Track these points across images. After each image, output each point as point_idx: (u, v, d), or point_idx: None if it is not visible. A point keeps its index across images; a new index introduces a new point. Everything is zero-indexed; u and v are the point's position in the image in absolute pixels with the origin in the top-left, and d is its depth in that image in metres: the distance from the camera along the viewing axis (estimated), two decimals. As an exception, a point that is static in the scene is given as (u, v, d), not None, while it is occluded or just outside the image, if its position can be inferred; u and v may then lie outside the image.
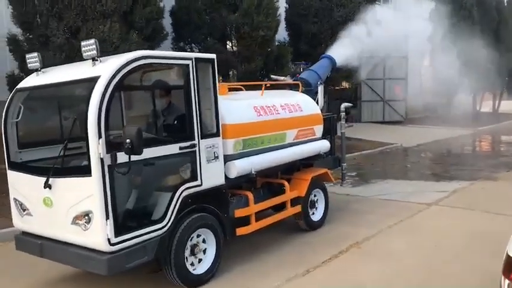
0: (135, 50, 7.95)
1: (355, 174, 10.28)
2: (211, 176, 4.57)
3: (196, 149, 4.40)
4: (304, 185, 5.90)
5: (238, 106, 5.23)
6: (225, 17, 9.80)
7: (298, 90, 6.46)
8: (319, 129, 6.26)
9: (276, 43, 11.79)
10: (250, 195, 5.16)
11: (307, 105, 6.17)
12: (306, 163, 6.28)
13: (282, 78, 7.32)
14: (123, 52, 7.61)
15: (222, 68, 10.34)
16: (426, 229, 6.07)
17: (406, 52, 16.11)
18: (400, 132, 16.99)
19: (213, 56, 4.59)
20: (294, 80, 6.82)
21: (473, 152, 14.63)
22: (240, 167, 4.88)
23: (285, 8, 12.91)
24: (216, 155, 4.60)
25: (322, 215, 6.31)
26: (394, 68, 20.07)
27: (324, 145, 6.31)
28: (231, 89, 6.05)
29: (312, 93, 6.60)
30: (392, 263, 4.98)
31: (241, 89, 6.27)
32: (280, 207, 5.69)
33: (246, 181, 5.29)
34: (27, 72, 7.60)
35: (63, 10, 7.38)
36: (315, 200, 6.25)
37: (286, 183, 5.72)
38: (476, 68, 19.44)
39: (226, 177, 4.78)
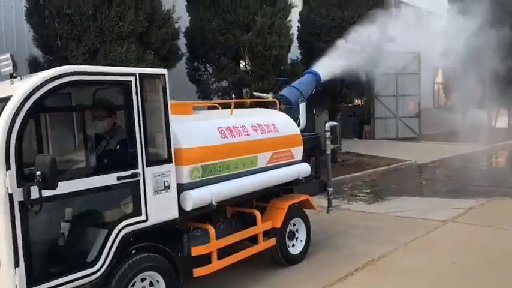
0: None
1: (369, 191, 10.24)
2: (160, 209, 3.96)
3: (140, 178, 3.79)
4: (280, 215, 5.29)
5: (199, 127, 4.64)
6: (239, 37, 9.96)
7: (276, 109, 5.94)
8: (298, 152, 5.64)
9: (289, 61, 11.92)
10: (211, 230, 4.52)
11: (284, 125, 5.58)
12: (287, 188, 5.71)
13: (265, 95, 6.85)
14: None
15: (235, 87, 10.52)
16: (443, 246, 6.02)
17: (398, 68, 15.52)
18: (414, 149, 16.89)
19: (163, 71, 4.09)
20: (273, 97, 6.29)
21: (489, 169, 14.47)
22: (196, 197, 4.25)
23: (298, 27, 13.08)
24: (166, 185, 3.99)
25: (303, 247, 5.67)
26: (407, 84, 20.07)
27: (304, 169, 5.64)
28: (211, 107, 5.82)
29: (292, 111, 6.07)
30: (410, 280, 4.94)
31: (216, 107, 5.87)
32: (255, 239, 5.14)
33: (213, 212, 4.68)
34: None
35: (82, 32, 7.60)
36: (295, 230, 5.64)
37: (257, 213, 5.11)
38: (491, 82, 19.34)
39: (182, 209, 4.18)
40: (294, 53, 12.53)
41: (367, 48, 7.81)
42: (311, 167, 5.94)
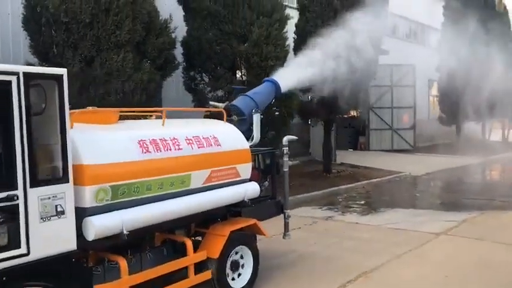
0: (148, 79, 8.21)
1: (363, 202, 10.25)
2: (50, 240, 3.26)
3: (19, 202, 3.11)
4: (219, 243, 4.58)
5: (112, 140, 3.88)
6: (235, 48, 10.01)
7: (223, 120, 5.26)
8: (245, 169, 4.94)
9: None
10: (123, 263, 3.80)
11: (229, 139, 4.89)
12: (235, 211, 5.04)
13: (221, 105, 6.16)
14: (136, 81, 7.87)
15: (231, 97, 10.54)
16: (436, 259, 6.03)
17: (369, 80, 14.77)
18: (408, 161, 16.95)
19: (60, 71, 3.48)
20: (225, 107, 5.60)
21: (483, 182, 14.52)
22: (101, 225, 3.53)
23: (294, 38, 13.18)
24: (59, 209, 3.30)
25: (248, 279, 4.95)
26: (402, 96, 20.21)
27: (251, 189, 4.98)
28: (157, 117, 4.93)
29: (245, 123, 5.50)
30: (402, 293, 4.94)
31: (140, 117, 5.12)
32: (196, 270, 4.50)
33: (139, 239, 4.11)
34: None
35: (78, 40, 7.61)
36: (239, 260, 4.92)
37: (187, 241, 4.43)
38: (485, 96, 19.50)
39: (84, 239, 3.51)
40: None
41: (336, 58, 7.13)
42: (269, 186, 5.52)
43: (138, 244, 4.21)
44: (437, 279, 5.29)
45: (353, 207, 9.56)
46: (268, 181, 5.61)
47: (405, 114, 20.37)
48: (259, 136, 5.51)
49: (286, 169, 5.68)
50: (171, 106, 12.62)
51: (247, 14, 10.07)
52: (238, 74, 10.73)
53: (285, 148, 5.62)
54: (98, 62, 7.69)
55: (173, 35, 9.01)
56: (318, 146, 14.68)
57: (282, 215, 5.70)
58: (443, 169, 15.43)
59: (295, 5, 13.96)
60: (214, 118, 5.60)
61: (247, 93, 5.99)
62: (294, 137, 5.89)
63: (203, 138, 4.58)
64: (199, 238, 4.92)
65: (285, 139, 5.70)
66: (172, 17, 9.08)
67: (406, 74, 20.41)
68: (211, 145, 4.62)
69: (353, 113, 20.45)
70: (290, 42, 11.72)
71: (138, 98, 8.06)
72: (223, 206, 4.76)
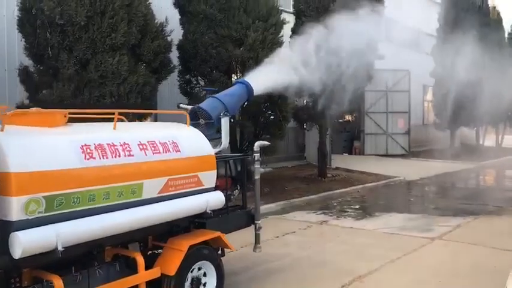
0: (143, 82, 8.20)
1: (358, 207, 10.26)
2: None
3: None
4: (176, 259, 4.17)
5: (49, 145, 3.47)
6: (231, 51, 10.02)
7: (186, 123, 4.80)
8: (208, 177, 4.55)
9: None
10: (58, 282, 3.37)
11: (191, 144, 4.51)
12: (200, 222, 4.66)
13: (190, 107, 5.77)
14: (131, 84, 7.85)
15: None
16: (430, 264, 6.03)
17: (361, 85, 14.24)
18: (403, 166, 16.99)
19: None
20: (191, 111, 5.29)
21: (477, 187, 14.59)
22: (29, 241, 3.13)
23: (289, 42, 13.22)
24: None
25: None
26: (397, 101, 20.31)
27: (215, 199, 4.58)
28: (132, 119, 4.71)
29: (212, 127, 5.19)
30: (396, 298, 4.94)
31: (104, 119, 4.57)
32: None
33: (86, 253, 3.74)
34: (37, 102, 7.81)
35: (73, 43, 7.59)
36: (201, 277, 4.49)
37: (138, 257, 4.00)
38: (478, 101, 19.62)
39: (10, 257, 3.14)
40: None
41: (315, 61, 6.79)
42: (239, 195, 5.19)
43: (86, 260, 3.80)
44: (431, 284, 5.29)
45: (348, 212, 9.56)
46: (239, 190, 5.24)
47: (400, 119, 20.45)
48: (228, 141, 5.16)
49: (257, 177, 5.25)
50: (167, 109, 12.67)
51: (243, 18, 10.09)
52: (234, 78, 10.74)
53: (256, 154, 5.21)
54: (93, 64, 7.67)
55: (169, 38, 9.01)
56: (313, 150, 14.70)
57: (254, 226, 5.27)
58: (437, 174, 15.49)
59: (291, 10, 14.01)
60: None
61: (216, 95, 5.57)
62: (266, 143, 5.55)
63: (160, 143, 4.15)
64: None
65: (257, 145, 5.30)
66: (168, 20, 9.09)
67: (401, 79, 20.52)
68: (168, 151, 4.20)
69: (348, 117, 20.54)
70: (286, 46, 11.76)
71: (133, 100, 8.05)
72: (185, 218, 4.38)
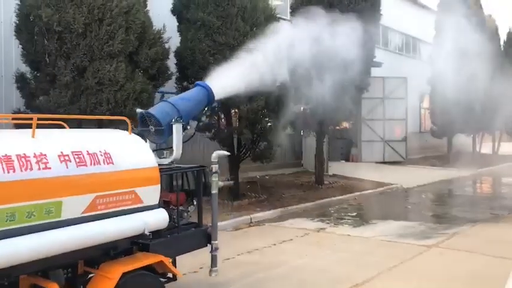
0: (140, 89, 8.19)
1: (355, 214, 10.25)
2: None
3: None
4: (106, 287, 3.63)
5: None
6: (229, 59, 10.05)
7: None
8: (149, 193, 3.99)
9: (277, 83, 12.01)
10: None
11: (128, 155, 3.93)
12: (143, 243, 4.10)
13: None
14: (129, 91, 7.84)
15: (224, 107, 10.56)
16: (427, 271, 6.02)
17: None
18: (400, 173, 17.01)
19: None
20: (140, 116, 4.76)
21: (474, 194, 14.60)
22: None
23: (286, 49, 13.27)
24: None
25: None
26: (394, 109, 20.37)
27: (156, 219, 4.00)
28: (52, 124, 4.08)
29: (162, 134, 4.64)
30: (393, 306, 4.92)
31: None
32: None
33: None
34: (33, 109, 7.80)
35: (71, 50, 7.59)
36: None
37: (53, 287, 3.44)
38: (475, 109, 19.73)
39: None
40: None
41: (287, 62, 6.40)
42: (196, 211, 4.71)
43: None
44: (428, 292, 5.29)
45: (345, 219, 9.56)
46: (195, 205, 4.75)
47: (397, 126, 20.51)
48: (181, 151, 4.63)
49: (215, 191, 4.71)
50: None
51: (241, 26, 10.12)
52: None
53: (214, 166, 4.66)
54: (90, 71, 7.67)
55: (166, 46, 9.02)
56: (311, 157, 14.70)
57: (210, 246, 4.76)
58: (434, 181, 15.51)
59: (288, 17, 14.07)
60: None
61: (169, 99, 4.97)
62: (225, 153, 5.07)
63: (88, 154, 3.59)
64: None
65: (214, 155, 4.74)
66: (166, 27, 9.11)
67: (398, 86, 20.61)
68: (98, 163, 3.62)
69: (345, 124, 20.57)
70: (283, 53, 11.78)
71: (130, 108, 8.04)
72: (123, 239, 3.81)
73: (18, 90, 8.28)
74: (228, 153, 5.10)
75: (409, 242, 7.49)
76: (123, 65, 7.85)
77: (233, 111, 10.77)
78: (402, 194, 13.46)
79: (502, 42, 25.11)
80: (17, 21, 7.96)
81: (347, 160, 20.38)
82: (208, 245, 4.78)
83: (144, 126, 4.67)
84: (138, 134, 4.37)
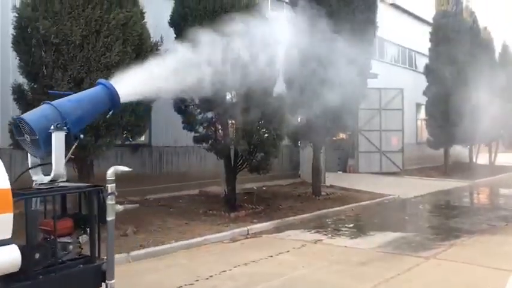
0: (137, 100, 8.17)
1: (352, 225, 10.23)
2: None
3: None
4: None
5: None
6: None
7: None
8: None
9: (274, 95, 12.06)
10: None
11: None
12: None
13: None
14: (126, 103, 7.84)
15: (221, 118, 10.58)
16: (424, 283, 6.00)
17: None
18: (397, 184, 17.02)
19: None
20: (15, 123, 3.97)
21: (471, 205, 14.61)
22: None
23: (283, 61, 13.33)
24: None
25: None
26: (391, 119, 20.48)
27: (3, 259, 3.08)
28: None
29: (36, 145, 3.72)
30: (390, 318, 4.89)
31: None
32: None
33: None
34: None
35: (68, 62, 7.62)
36: None
37: None
38: (471, 120, 19.83)
39: None
40: (280, 86, 12.70)
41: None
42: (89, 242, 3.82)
43: None
44: (425, 304, 5.26)
45: (342, 230, 9.53)
46: (87, 235, 3.83)
47: (394, 137, 20.59)
48: (63, 166, 3.74)
49: (111, 217, 3.70)
50: (162, 128, 12.68)
51: (238, 38, 10.18)
52: (228, 96, 10.79)
53: (109, 185, 3.69)
54: (87, 83, 7.67)
55: (164, 57, 9.05)
56: (308, 168, 14.71)
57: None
58: (431, 192, 15.51)
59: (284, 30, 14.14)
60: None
61: (52, 102, 3.92)
62: (125, 168, 3.84)
63: None
64: None
65: (110, 172, 3.72)
66: (164, 39, 9.15)
67: (395, 97, 20.73)
68: None
69: (342, 135, 20.63)
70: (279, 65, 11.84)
71: (127, 119, 8.05)
72: None
73: (15, 101, 8.28)
74: (128, 169, 3.84)
75: (407, 253, 7.46)
76: (120, 77, 7.87)
77: (230, 122, 10.79)
78: (399, 205, 13.44)
79: (496, 54, 25.35)
80: (15, 33, 7.99)
81: (344, 171, 20.41)
82: (102, 284, 3.77)
83: (21, 135, 3.79)
84: (16, 145, 3.55)
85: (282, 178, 15.92)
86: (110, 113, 4.30)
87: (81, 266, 3.75)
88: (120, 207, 3.83)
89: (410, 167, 21.53)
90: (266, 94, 10.67)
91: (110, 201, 3.71)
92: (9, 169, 3.31)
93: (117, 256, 6.48)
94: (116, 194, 3.74)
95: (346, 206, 12.00)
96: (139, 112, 8.29)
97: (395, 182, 17.47)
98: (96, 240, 3.85)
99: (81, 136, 3.99)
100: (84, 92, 4.40)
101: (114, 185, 3.72)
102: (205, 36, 5.54)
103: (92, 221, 3.83)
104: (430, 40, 21.32)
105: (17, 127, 3.84)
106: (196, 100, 10.63)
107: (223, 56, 5.64)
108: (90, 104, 4.10)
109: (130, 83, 4.48)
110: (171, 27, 10.53)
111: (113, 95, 4.17)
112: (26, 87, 8.16)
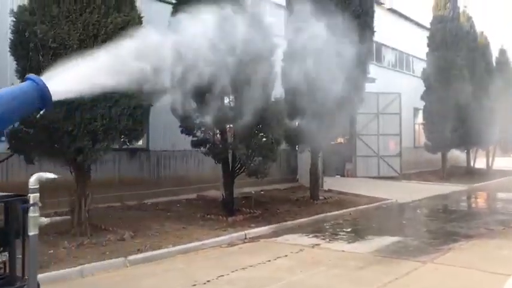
0: (135, 104, 8.16)
1: (350, 230, 10.21)
2: None
3: None
4: None
5: None
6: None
7: None
8: None
9: (273, 99, 12.07)
10: None
11: None
12: None
13: None
14: (123, 107, 7.85)
15: (219, 122, 10.57)
16: (422, 287, 6.00)
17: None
18: (395, 188, 17.02)
19: None
20: None
21: (469, 209, 14.61)
22: None
23: (281, 65, 13.35)
24: None
25: None
26: (388, 124, 20.52)
27: None
28: None
29: None
30: (388, 323, 4.88)
31: None
32: None
33: None
34: (27, 125, 7.78)
35: (66, 66, 7.64)
36: None
37: None
38: (468, 124, 19.89)
39: None
40: (278, 90, 12.72)
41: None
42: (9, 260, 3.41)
43: None
44: (423, 309, 5.25)
45: (340, 235, 9.52)
46: (8, 251, 3.42)
47: (391, 142, 20.62)
48: None
49: (33, 232, 3.19)
50: (160, 132, 12.67)
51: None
52: (226, 100, 10.80)
53: (32, 195, 3.21)
54: (85, 87, 7.68)
55: (161, 61, 9.04)
56: (306, 172, 14.70)
57: None
58: (429, 196, 15.52)
59: (282, 34, 14.19)
60: None
61: None
62: (50, 175, 3.33)
63: None
64: None
65: (33, 179, 3.24)
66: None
67: (392, 102, 20.78)
68: None
69: (340, 139, 20.65)
70: (278, 69, 11.87)
71: (125, 123, 8.04)
72: None
73: (12, 106, 8.26)
74: (54, 176, 3.37)
75: (404, 257, 7.46)
76: (117, 81, 7.87)
77: (228, 126, 10.78)
78: (397, 209, 13.44)
79: (493, 59, 25.45)
80: (12, 38, 7.99)
81: (342, 175, 20.41)
82: None
83: None
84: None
85: (280, 182, 15.92)
86: (41, 112, 3.78)
87: None
88: (45, 220, 3.30)
89: (408, 171, 21.55)
90: (264, 98, 10.69)
91: (33, 213, 3.19)
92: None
93: (114, 260, 6.48)
94: (40, 204, 3.23)
95: (344, 210, 12.00)
96: (137, 116, 8.27)
97: (393, 186, 17.48)
98: (15, 258, 3.41)
99: (2, 138, 3.54)
100: (8, 87, 3.80)
101: (37, 194, 3.22)
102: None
103: (10, 236, 3.39)
104: (428, 45, 21.40)
105: None
106: (193, 104, 10.63)
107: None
108: (15, 101, 3.57)
109: (67, 78, 3.90)
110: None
111: (43, 91, 3.62)
112: (23, 91, 8.14)
